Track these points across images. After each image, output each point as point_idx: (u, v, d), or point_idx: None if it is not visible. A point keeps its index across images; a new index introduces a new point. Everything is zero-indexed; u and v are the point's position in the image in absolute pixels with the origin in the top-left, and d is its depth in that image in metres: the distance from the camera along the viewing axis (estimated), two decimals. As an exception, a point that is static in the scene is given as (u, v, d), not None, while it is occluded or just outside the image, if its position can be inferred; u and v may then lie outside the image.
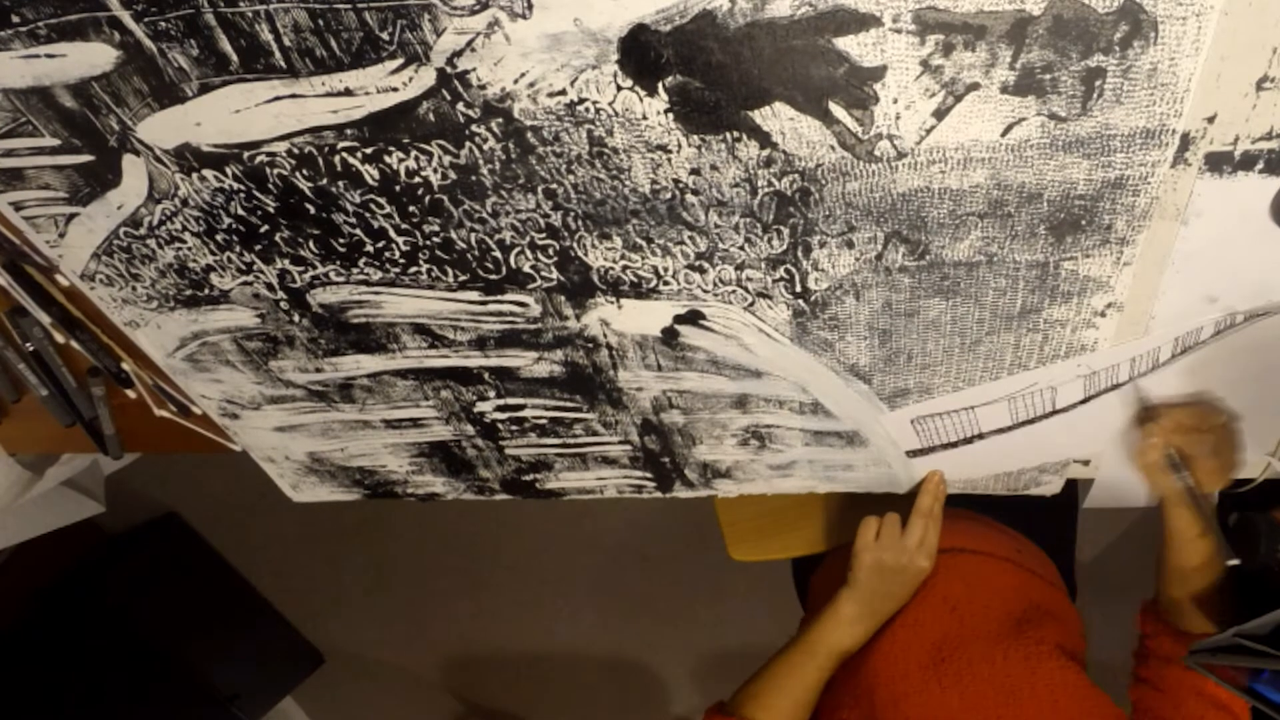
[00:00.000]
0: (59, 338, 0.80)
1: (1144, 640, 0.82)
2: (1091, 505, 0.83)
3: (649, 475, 0.86)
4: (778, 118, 0.52)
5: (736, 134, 0.54)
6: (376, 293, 0.69)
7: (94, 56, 0.54)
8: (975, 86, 0.49)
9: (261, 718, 2.60)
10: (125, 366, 0.83)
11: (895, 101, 0.50)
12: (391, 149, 0.57)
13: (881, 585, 0.79)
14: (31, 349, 0.83)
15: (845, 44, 0.48)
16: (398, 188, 0.60)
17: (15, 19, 0.52)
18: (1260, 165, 0.51)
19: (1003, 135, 0.51)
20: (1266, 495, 0.76)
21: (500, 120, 0.55)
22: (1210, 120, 0.50)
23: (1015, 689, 0.72)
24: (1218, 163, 0.52)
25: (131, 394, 0.86)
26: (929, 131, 0.52)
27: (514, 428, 0.82)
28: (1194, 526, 0.73)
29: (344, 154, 0.58)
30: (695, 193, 0.58)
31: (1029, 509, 0.88)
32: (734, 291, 0.65)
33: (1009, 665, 0.73)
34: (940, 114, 0.51)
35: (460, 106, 0.54)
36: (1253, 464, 0.76)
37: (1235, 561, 0.71)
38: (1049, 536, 0.98)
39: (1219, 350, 0.66)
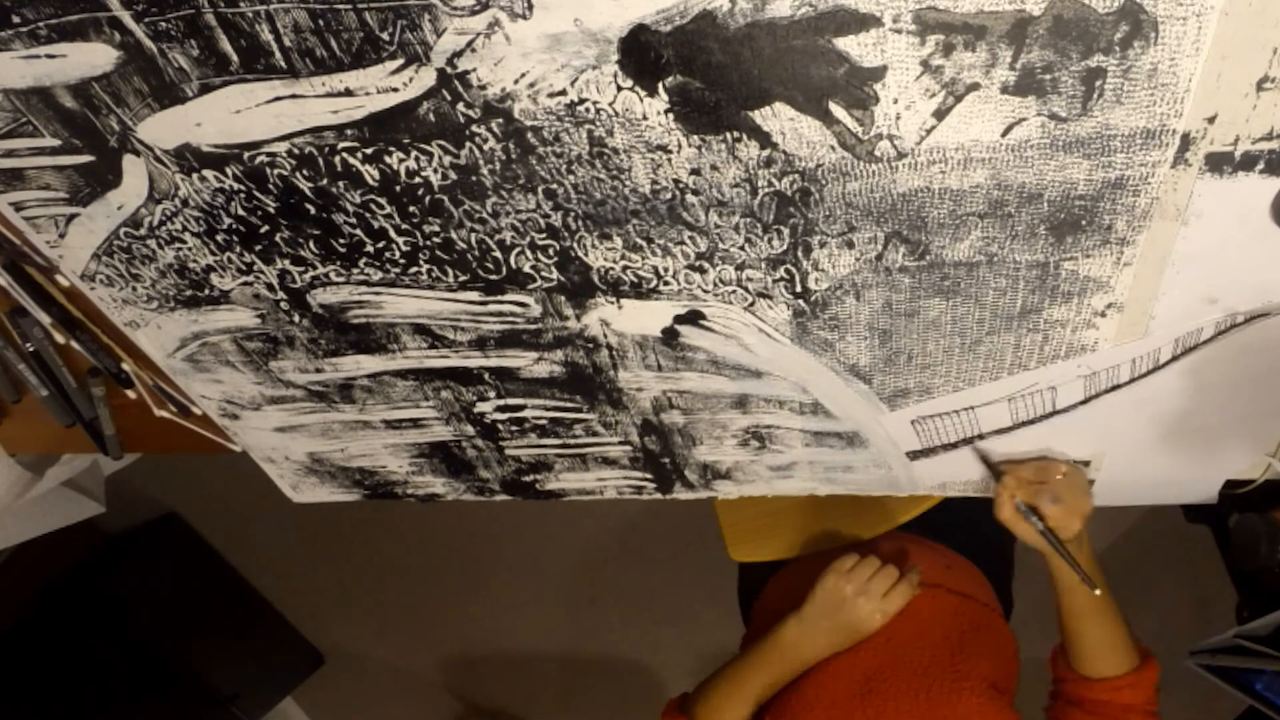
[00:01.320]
0: (59, 338, 0.80)
1: (1054, 682, 0.85)
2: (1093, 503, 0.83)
3: (649, 476, 0.86)
4: (778, 118, 0.52)
5: (736, 134, 0.54)
6: (377, 293, 0.69)
7: (94, 57, 0.54)
8: (975, 87, 0.49)
9: (261, 718, 2.60)
10: (125, 367, 0.83)
11: (895, 102, 0.50)
12: (392, 149, 0.57)
13: (829, 617, 0.81)
14: (31, 349, 0.83)
15: (845, 44, 0.48)
16: (398, 188, 0.60)
17: (16, 19, 0.52)
18: (1260, 166, 0.51)
19: (1003, 135, 0.51)
20: (1267, 496, 0.76)
21: (500, 120, 0.55)
22: (1210, 120, 0.50)
23: None
24: (1218, 163, 0.52)
25: (131, 394, 0.86)
26: (929, 132, 0.52)
27: (514, 428, 0.82)
28: (1073, 574, 0.76)
29: (344, 154, 0.58)
30: (695, 193, 0.58)
31: (967, 523, 0.90)
32: (734, 291, 0.65)
33: (931, 699, 0.77)
34: (940, 114, 0.51)
35: (460, 107, 0.54)
36: (1253, 465, 0.76)
37: (1096, 592, 0.75)
38: (986, 553, 1.00)
39: (1219, 351, 0.66)
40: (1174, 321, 0.62)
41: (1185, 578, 1.85)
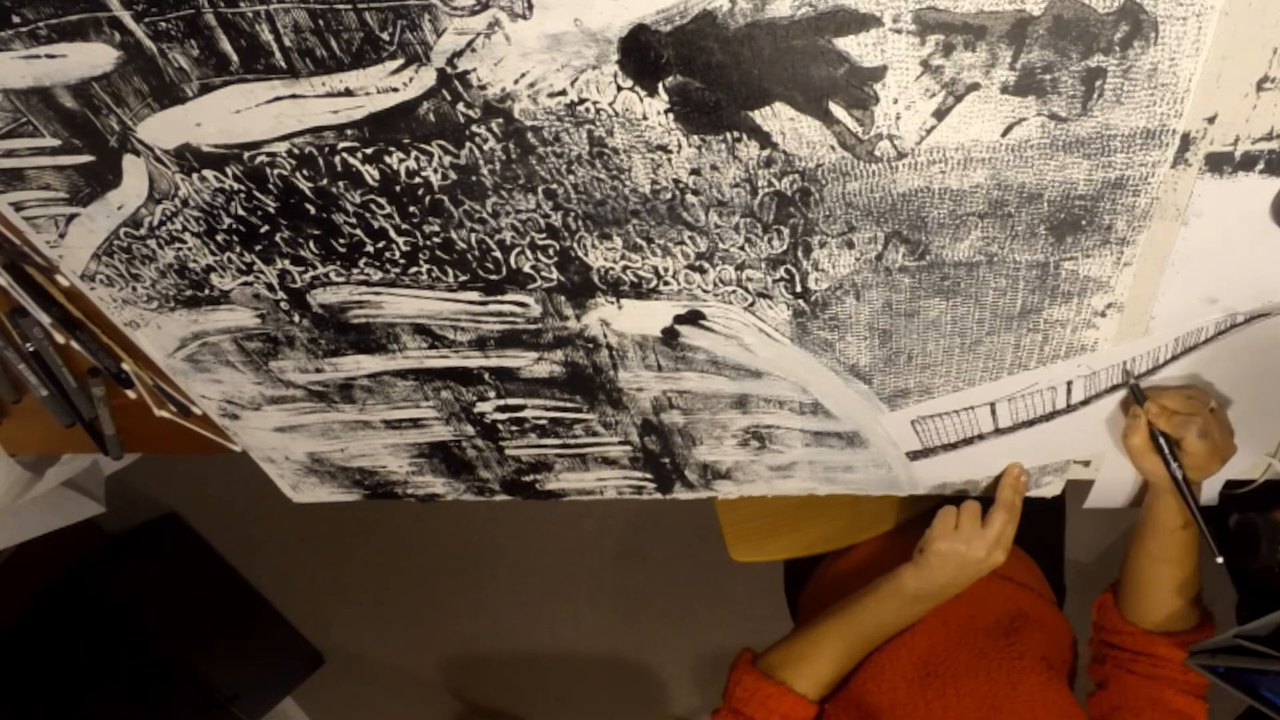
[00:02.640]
0: (59, 338, 0.80)
1: (1101, 636, 0.81)
2: (1092, 505, 0.83)
3: (649, 476, 0.86)
4: (778, 118, 0.52)
5: (737, 134, 0.54)
6: (377, 293, 0.69)
7: (94, 57, 0.54)
8: (975, 87, 0.49)
9: (261, 718, 2.60)
10: (125, 367, 0.83)
11: (895, 102, 0.50)
12: (392, 149, 0.57)
13: (950, 574, 0.77)
14: (31, 349, 0.83)
15: (845, 44, 0.48)
16: (398, 188, 0.60)
17: (16, 19, 0.52)
18: (1260, 165, 0.51)
19: (1003, 135, 0.51)
20: (1266, 496, 0.76)
21: (500, 120, 0.55)
22: (1210, 120, 0.50)
23: (997, 704, 0.73)
24: (1218, 163, 0.52)
25: (131, 394, 0.86)
26: (929, 132, 0.52)
27: (514, 428, 0.82)
28: (1177, 517, 0.72)
29: (344, 154, 0.58)
30: (695, 193, 0.58)
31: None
32: (734, 291, 0.65)
33: (992, 680, 0.74)
34: (940, 114, 0.51)
35: (460, 107, 0.54)
36: (1253, 465, 0.76)
37: (1220, 559, 0.70)
38: (1036, 541, 0.99)
39: (1219, 351, 0.66)
40: (1174, 321, 0.62)
41: (1185, 578, 1.85)
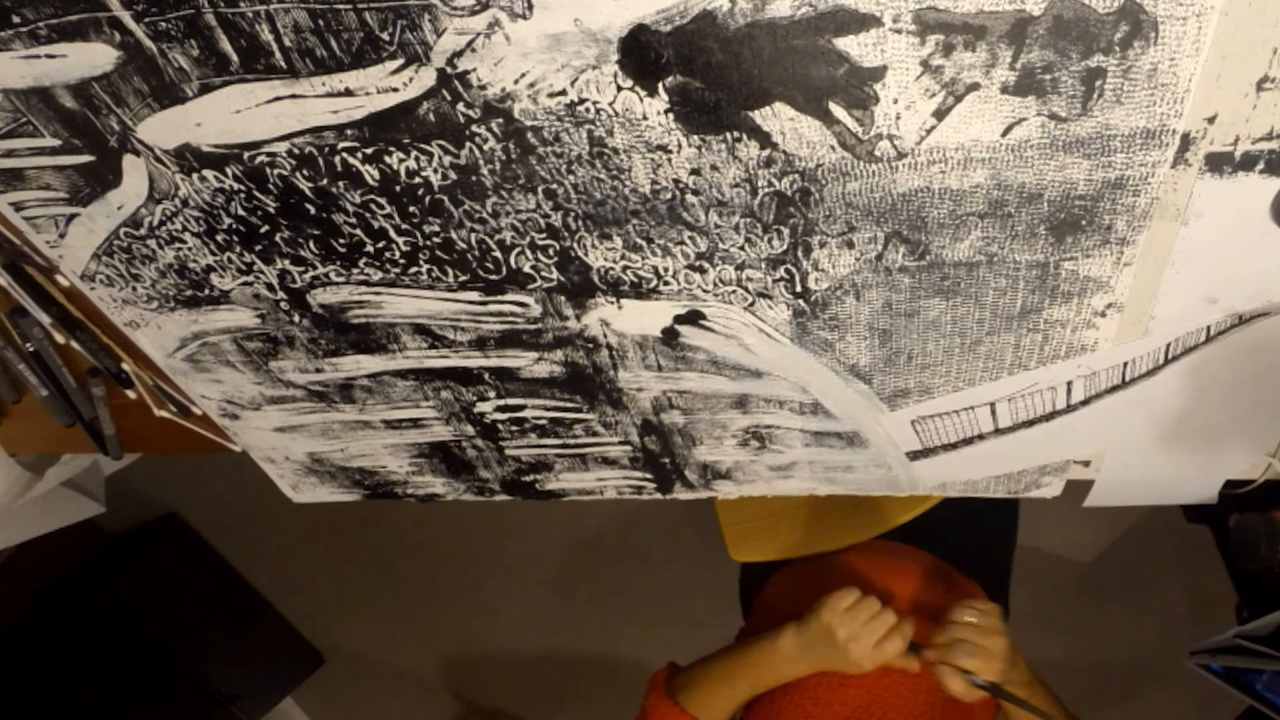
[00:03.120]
0: (59, 338, 0.80)
1: None
2: (1092, 504, 0.83)
3: (649, 476, 0.86)
4: (778, 118, 0.52)
5: (736, 134, 0.54)
6: (377, 293, 0.69)
7: (94, 57, 0.54)
8: (975, 87, 0.49)
9: (261, 718, 2.60)
10: (125, 367, 0.83)
11: (895, 102, 0.50)
12: (392, 149, 0.57)
13: (825, 649, 0.80)
14: (31, 349, 0.83)
15: (845, 44, 0.48)
16: (398, 188, 0.60)
17: (16, 19, 0.52)
18: (1260, 166, 0.51)
19: (1003, 135, 0.51)
20: (1267, 496, 0.76)
21: (500, 120, 0.55)
22: (1210, 120, 0.50)
23: None
24: (1218, 163, 0.52)
25: (131, 394, 0.86)
26: (929, 132, 0.52)
27: (514, 428, 0.82)
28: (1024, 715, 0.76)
29: (344, 154, 0.58)
30: (695, 193, 0.58)
31: (971, 518, 0.89)
32: (734, 291, 0.65)
33: None
34: (940, 114, 0.51)
35: (460, 107, 0.54)
36: (1253, 465, 0.76)
37: None
38: (985, 576, 0.99)
39: (1219, 351, 0.66)
40: (1174, 321, 0.62)
41: (1185, 578, 1.85)
